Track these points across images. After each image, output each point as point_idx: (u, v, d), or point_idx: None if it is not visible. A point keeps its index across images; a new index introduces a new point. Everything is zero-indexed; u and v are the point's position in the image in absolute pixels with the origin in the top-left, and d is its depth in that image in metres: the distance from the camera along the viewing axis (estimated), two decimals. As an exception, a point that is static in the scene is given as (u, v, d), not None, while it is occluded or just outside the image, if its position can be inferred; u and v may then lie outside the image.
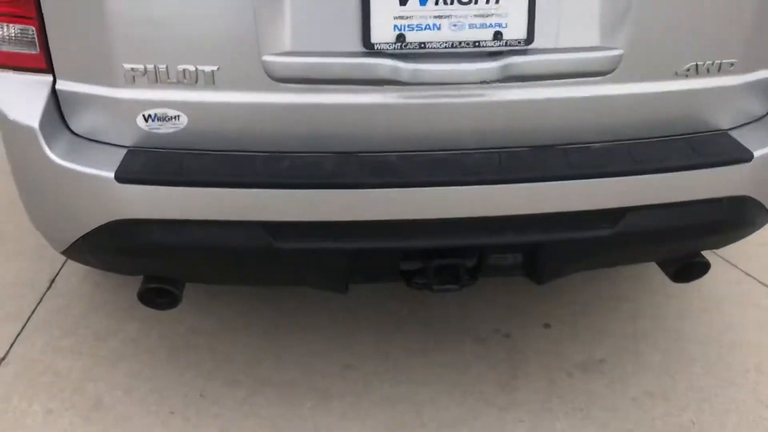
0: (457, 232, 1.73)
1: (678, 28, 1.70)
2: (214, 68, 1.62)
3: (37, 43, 1.64)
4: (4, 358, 2.36)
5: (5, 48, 1.68)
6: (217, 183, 1.63)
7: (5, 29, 1.66)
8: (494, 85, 1.67)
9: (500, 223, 1.72)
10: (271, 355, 2.40)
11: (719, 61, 1.75)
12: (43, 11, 1.61)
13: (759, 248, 2.94)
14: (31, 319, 2.55)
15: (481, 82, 1.66)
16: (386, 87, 1.65)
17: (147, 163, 1.65)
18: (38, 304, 2.64)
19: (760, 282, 2.78)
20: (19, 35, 1.66)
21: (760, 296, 2.71)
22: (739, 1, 1.71)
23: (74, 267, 2.82)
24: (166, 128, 1.67)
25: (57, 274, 2.80)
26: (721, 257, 2.90)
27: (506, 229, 1.74)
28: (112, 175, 1.62)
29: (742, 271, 2.84)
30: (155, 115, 1.66)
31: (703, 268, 2.00)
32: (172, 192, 1.63)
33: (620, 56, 1.68)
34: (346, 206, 1.67)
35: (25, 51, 1.66)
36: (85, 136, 1.71)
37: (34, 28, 1.63)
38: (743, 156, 1.76)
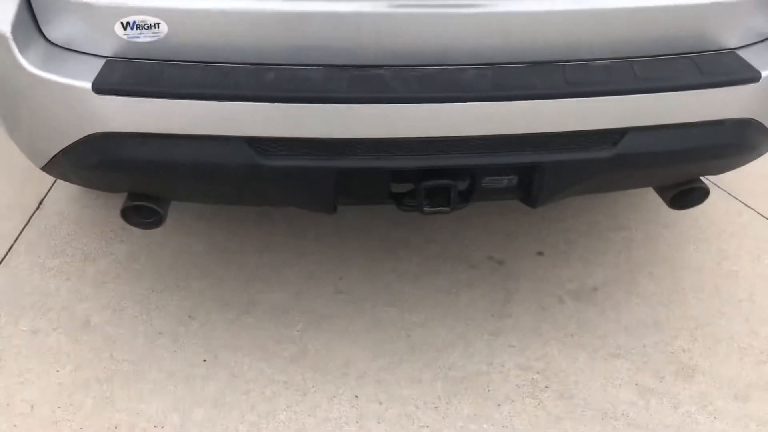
0: (448, 151, 1.67)
1: None
2: (195, -28, 1.53)
3: (8, -57, 1.56)
4: (-10, 279, 2.34)
5: (-28, -52, 1.58)
6: (199, 95, 1.55)
7: (-29, -73, 1.57)
8: (490, -5, 1.58)
9: (494, 143, 1.66)
10: (262, 278, 2.37)
11: (729, -26, 1.66)
12: None
13: (762, 179, 2.89)
14: (18, 240, 2.52)
15: (477, -8, 1.57)
16: (377, -4, 1.57)
17: (126, 74, 1.57)
18: (26, 225, 2.60)
19: (759, 214, 2.74)
20: (-13, -67, 1.57)
21: (759, 228, 2.67)
22: None
23: (63, 188, 2.78)
24: (145, 37, 1.59)
25: (45, 195, 2.76)
26: (723, 189, 2.84)
27: (500, 149, 1.67)
28: (89, 85, 1.54)
29: (743, 202, 2.79)
30: (134, 22, 1.58)
31: (703, 194, 1.95)
32: (152, 104, 1.56)
33: (624, -34, 1.59)
34: (334, 122, 1.60)
35: (-6, -49, 1.57)
36: (61, 45, 1.63)
37: (2, -75, 1.54)
38: (751, 76, 1.68)
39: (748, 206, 2.78)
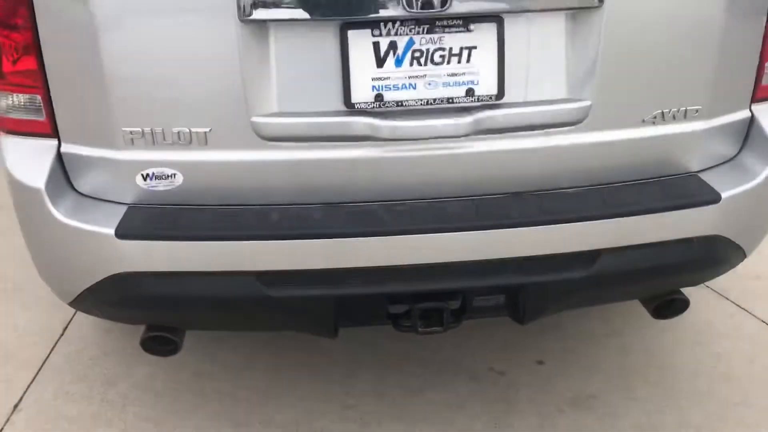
0: (439, 276, 1.82)
1: (642, 79, 1.80)
2: (207, 130, 1.74)
3: (44, 110, 1.78)
4: (17, 405, 2.47)
5: (14, 115, 1.81)
6: (211, 236, 1.74)
7: (14, 98, 1.80)
8: (469, 137, 1.77)
9: (480, 267, 1.81)
10: (274, 397, 2.48)
11: (684, 108, 1.84)
12: (49, 81, 1.74)
13: (752, 281, 3.00)
14: (44, 366, 2.66)
15: (456, 136, 1.76)
16: (368, 142, 1.76)
17: (145, 220, 1.76)
18: (51, 350, 2.75)
19: (752, 315, 2.84)
20: (27, 103, 1.79)
21: (752, 329, 2.77)
22: (699, 51, 1.81)
23: (86, 315, 2.94)
24: (163, 186, 1.79)
25: (69, 321, 2.92)
26: (715, 290, 2.95)
27: (486, 272, 1.83)
28: (112, 231, 1.73)
29: (734, 303, 2.89)
30: (153, 174, 1.78)
31: (683, 305, 2.07)
32: (168, 246, 1.75)
33: (588, 107, 1.78)
34: (333, 255, 1.77)
35: (33, 118, 1.79)
36: (88, 194, 1.83)
37: (40, 97, 1.77)
38: (711, 197, 1.84)
39: (741, 307, 2.88)
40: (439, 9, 1.63)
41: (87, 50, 1.68)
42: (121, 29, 1.66)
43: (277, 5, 1.63)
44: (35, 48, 1.72)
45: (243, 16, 1.63)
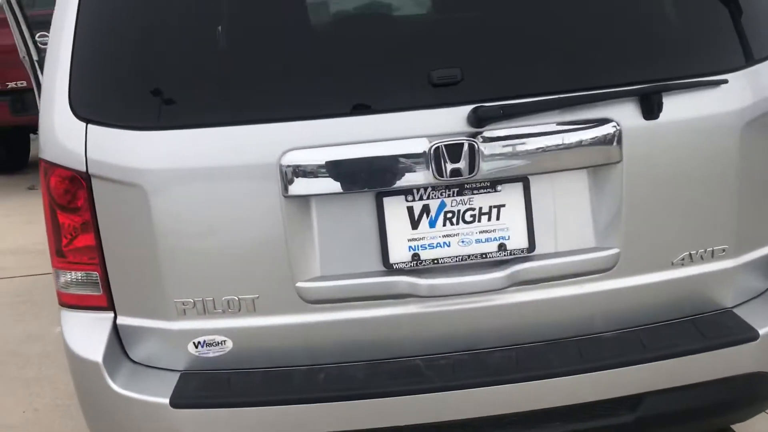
0: (484, 429, 1.84)
1: (667, 224, 1.87)
2: (254, 297, 1.83)
3: (101, 285, 1.89)
4: None
5: (73, 290, 1.93)
6: (261, 402, 1.79)
7: (73, 275, 1.92)
8: (505, 290, 1.84)
9: (524, 418, 1.83)
10: None
11: (711, 249, 1.90)
12: (106, 258, 1.87)
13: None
14: None
15: (493, 290, 1.83)
16: (407, 300, 1.84)
17: (198, 387, 1.83)
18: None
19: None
20: (85, 279, 1.91)
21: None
22: (719, 194, 1.89)
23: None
24: (214, 352, 1.87)
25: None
26: None
27: (531, 423, 1.84)
28: (167, 401, 1.80)
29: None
30: (204, 341, 1.86)
31: (733, 441, 2.05)
32: (221, 413, 1.80)
33: (617, 254, 1.85)
34: (380, 413, 1.81)
35: (90, 293, 1.91)
36: (142, 363, 1.91)
37: (98, 273, 1.89)
38: (749, 335, 1.86)
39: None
40: (468, 176, 1.75)
41: (141, 228, 1.81)
42: (172, 208, 1.80)
43: (317, 181, 1.76)
44: (93, 228, 1.86)
45: (286, 192, 1.76)
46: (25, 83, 6.25)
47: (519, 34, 1.85)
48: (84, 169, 1.81)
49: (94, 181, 1.82)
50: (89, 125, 1.81)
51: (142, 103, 1.82)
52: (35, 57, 3.98)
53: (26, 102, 6.38)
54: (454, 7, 1.87)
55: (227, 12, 1.91)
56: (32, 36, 3.95)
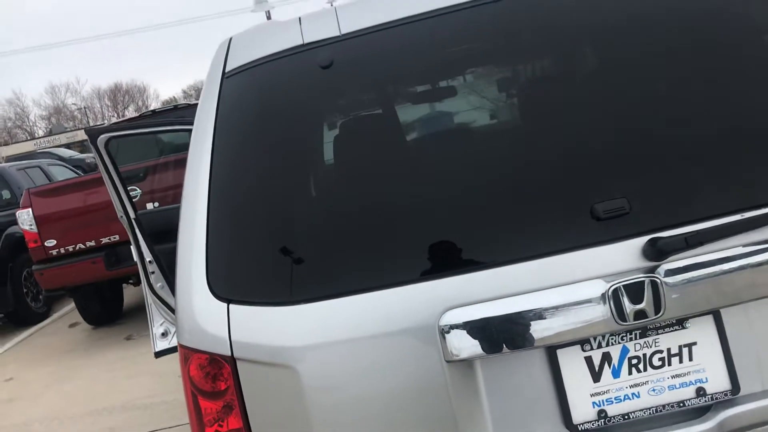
0: None
1: None
2: (424, 475, 1.63)
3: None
4: None
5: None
6: None
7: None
8: (712, 441, 1.60)
9: None
10: None
11: None
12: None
13: None
14: None
15: (698, 442, 1.59)
16: (599, 462, 1.61)
17: None
18: None
19: None
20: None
21: None
22: None
23: None
24: None
25: None
26: None
27: None
28: None
29: None
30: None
31: None
32: None
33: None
34: None
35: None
36: None
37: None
38: None
39: None
40: (654, 317, 1.54)
41: (294, 409, 1.65)
42: (327, 385, 1.64)
43: (482, 341, 1.58)
44: (241, 413, 1.70)
45: (449, 356, 1.59)
46: (118, 237, 6.41)
47: (690, 150, 1.68)
48: (229, 354, 1.68)
49: (240, 365, 1.69)
50: (231, 305, 1.70)
51: (285, 277, 1.70)
52: (132, 215, 4.04)
53: (120, 255, 6.51)
54: (610, 129, 1.72)
55: (363, 172, 1.81)
56: (127, 194, 4.03)
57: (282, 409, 1.67)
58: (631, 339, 1.61)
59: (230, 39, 2.00)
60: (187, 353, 1.75)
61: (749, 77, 1.74)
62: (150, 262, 3.51)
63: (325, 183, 1.85)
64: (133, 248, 3.89)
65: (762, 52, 1.80)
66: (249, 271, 1.74)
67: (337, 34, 1.84)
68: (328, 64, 1.81)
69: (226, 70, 1.90)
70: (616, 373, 1.61)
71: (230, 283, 1.72)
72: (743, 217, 1.57)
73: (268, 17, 20.06)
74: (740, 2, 1.82)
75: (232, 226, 1.77)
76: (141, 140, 6.71)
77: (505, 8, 1.82)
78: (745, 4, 1.81)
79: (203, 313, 1.72)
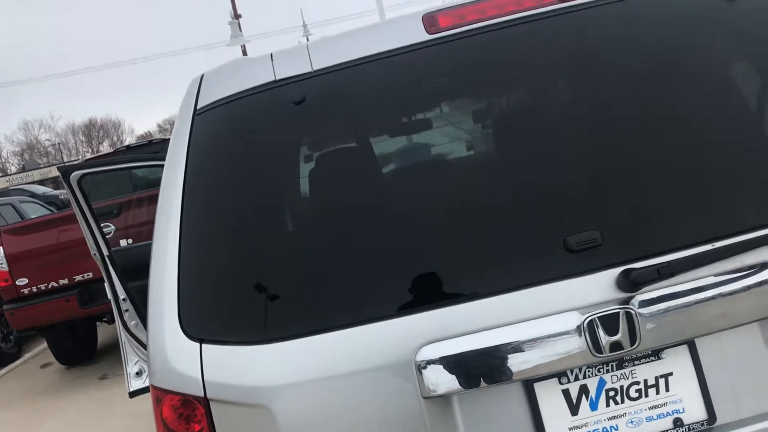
0: None
1: None
2: None
3: None
4: None
5: None
6: None
7: None
8: (691, 471, 1.59)
9: None
10: None
11: None
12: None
13: None
14: None
15: (678, 473, 1.58)
16: (578, 497, 1.59)
17: None
18: None
19: None
20: None
21: None
22: None
23: None
24: None
25: None
26: None
27: None
28: None
29: None
30: None
31: None
32: None
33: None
34: None
35: None
36: None
37: None
38: None
39: None
40: (630, 348, 1.54)
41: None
42: (302, 424, 1.61)
43: (459, 377, 1.57)
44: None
45: (425, 392, 1.57)
46: (91, 274, 6.30)
47: (661, 180, 1.68)
48: (202, 394, 1.65)
49: (213, 406, 1.65)
50: (204, 344, 1.67)
51: (259, 315, 1.68)
52: (105, 252, 3.98)
53: (93, 293, 6.40)
54: (582, 161, 1.73)
55: (337, 207, 1.81)
56: (101, 230, 3.97)
57: None
58: (607, 371, 1.61)
59: (202, 75, 2.00)
60: (159, 394, 1.72)
61: (718, 111, 1.77)
62: (124, 299, 3.45)
63: (299, 219, 1.84)
64: (106, 286, 3.84)
65: (730, 86, 1.83)
66: (222, 310, 1.71)
67: (309, 70, 1.85)
68: (300, 100, 1.81)
69: (198, 107, 1.89)
70: (593, 406, 1.60)
71: (203, 322, 1.69)
72: (714, 247, 1.58)
73: (244, 52, 20.15)
74: (708, 38, 1.85)
75: (204, 264, 1.74)
76: (115, 176, 6.65)
77: (476, 44, 1.84)
78: (713, 40, 1.84)
79: (175, 353, 1.69)
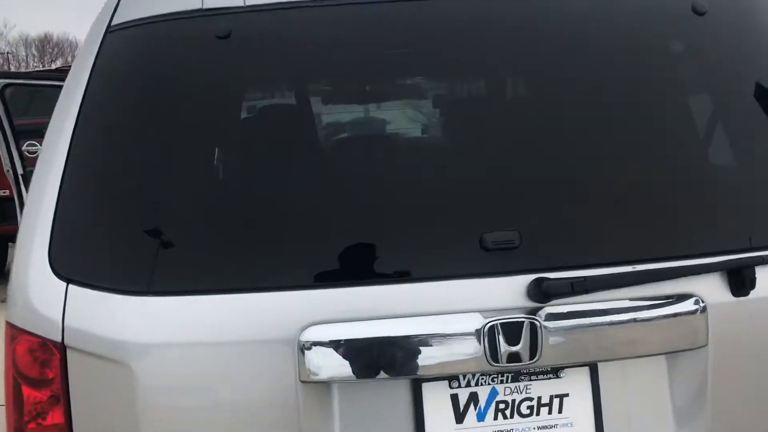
0: None
1: (763, 417, 1.56)
2: None
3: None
4: None
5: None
6: None
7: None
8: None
9: None
10: None
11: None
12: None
13: None
14: None
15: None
16: None
17: None
18: None
19: None
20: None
21: None
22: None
23: None
24: None
25: None
26: None
27: None
28: None
29: None
30: None
31: None
32: None
33: (705, 448, 1.53)
34: None
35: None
36: None
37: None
38: None
39: None
40: (527, 362, 1.44)
41: (123, 411, 1.47)
42: (164, 390, 1.47)
43: (342, 364, 1.44)
44: (64, 406, 1.51)
45: (304, 376, 1.44)
46: (7, 192, 5.97)
47: (591, 192, 1.58)
48: (60, 340, 1.48)
49: (69, 354, 1.49)
50: (70, 285, 1.50)
51: (138, 262, 1.51)
52: (20, 171, 3.74)
53: (6, 211, 6.06)
54: (513, 159, 1.61)
55: (239, 161, 1.64)
56: (18, 148, 3.72)
57: (110, 410, 1.49)
58: (501, 382, 1.50)
59: None
60: (14, 333, 1.54)
61: (651, 129, 1.66)
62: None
63: (201, 167, 1.66)
64: (17, 206, 3.62)
65: (680, 106, 1.73)
66: (97, 251, 1.54)
67: (241, 4, 1.67)
68: (225, 35, 1.63)
69: (112, 24, 1.70)
70: (481, 416, 1.50)
71: (74, 260, 1.52)
72: (634, 270, 1.48)
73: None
74: (644, 49, 1.74)
75: (87, 197, 1.57)
76: (56, 96, 6.29)
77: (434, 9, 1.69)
78: (649, 53, 1.73)
79: (38, 290, 1.52)
